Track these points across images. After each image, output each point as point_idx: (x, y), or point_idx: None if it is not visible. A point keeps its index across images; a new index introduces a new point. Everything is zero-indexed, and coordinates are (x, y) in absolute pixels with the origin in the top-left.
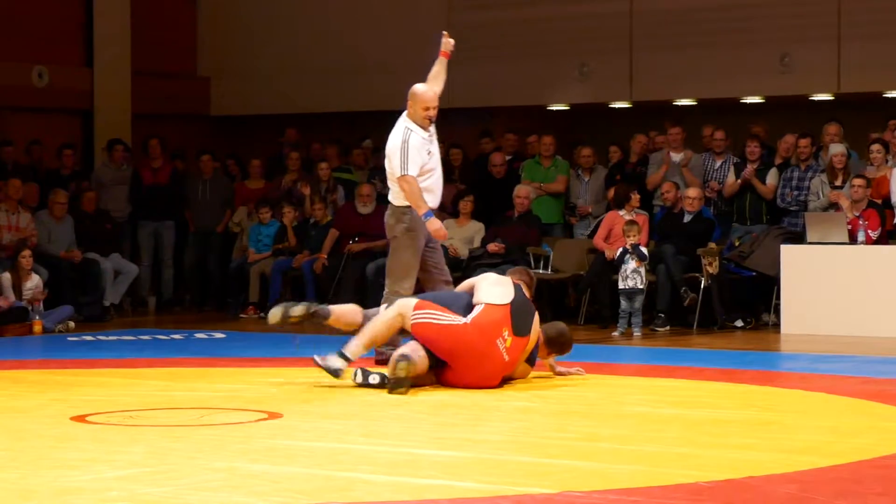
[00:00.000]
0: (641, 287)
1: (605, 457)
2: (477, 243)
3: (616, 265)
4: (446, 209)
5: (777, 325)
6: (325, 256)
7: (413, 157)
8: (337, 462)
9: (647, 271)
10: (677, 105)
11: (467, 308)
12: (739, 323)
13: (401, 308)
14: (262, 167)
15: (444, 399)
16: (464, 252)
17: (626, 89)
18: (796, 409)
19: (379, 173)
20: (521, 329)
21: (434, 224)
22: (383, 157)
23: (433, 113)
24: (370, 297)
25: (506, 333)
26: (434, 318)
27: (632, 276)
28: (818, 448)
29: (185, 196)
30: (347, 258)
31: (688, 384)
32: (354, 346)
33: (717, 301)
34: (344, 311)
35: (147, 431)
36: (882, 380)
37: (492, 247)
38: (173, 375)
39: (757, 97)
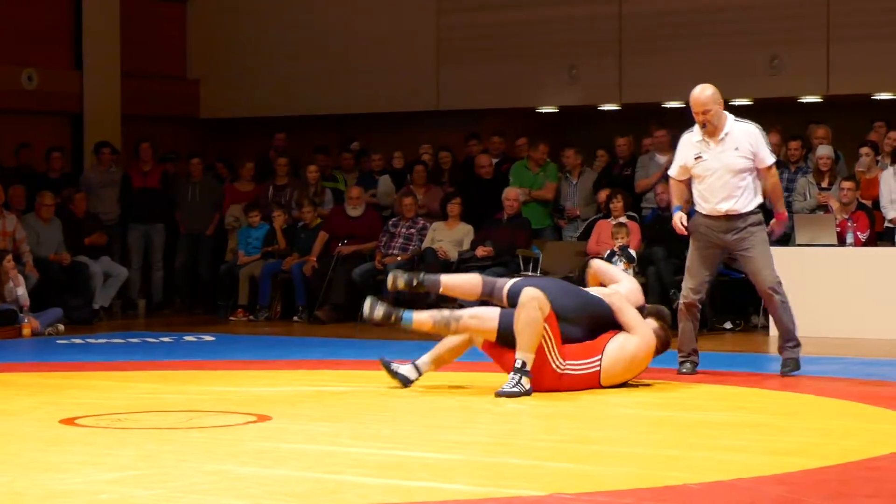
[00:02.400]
0: None
1: (594, 459)
2: (466, 245)
3: None
4: (434, 212)
5: (766, 328)
6: (315, 259)
7: (677, 155)
8: (326, 465)
9: (636, 273)
10: (666, 107)
11: (584, 322)
12: (729, 325)
13: (544, 311)
14: (253, 170)
15: (433, 401)
16: (453, 254)
17: (616, 92)
18: (785, 411)
19: (367, 177)
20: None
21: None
22: (371, 160)
23: (699, 118)
24: (360, 299)
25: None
26: (545, 343)
27: None
28: (807, 450)
29: (174, 199)
30: (337, 260)
31: (677, 386)
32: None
33: (706, 303)
34: (459, 282)
35: (136, 434)
36: (871, 381)
37: (480, 250)
38: (163, 378)
39: (746, 99)
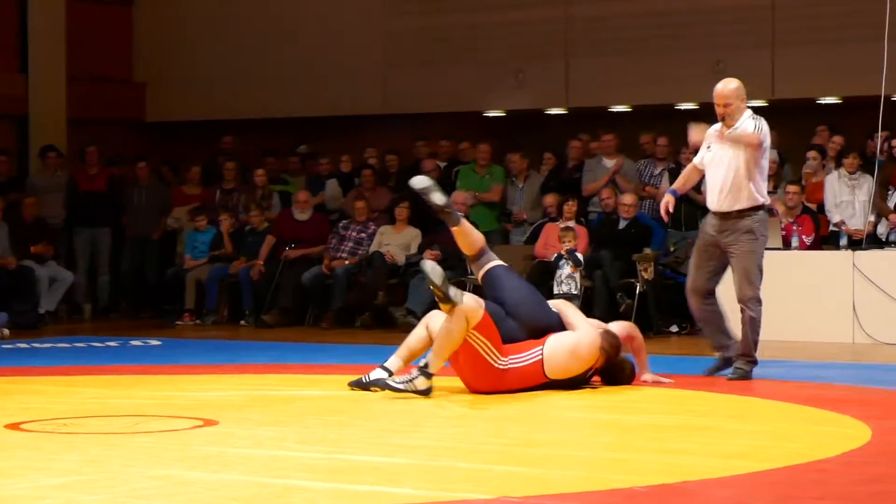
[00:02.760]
0: (576, 293)
1: (541, 462)
2: (414, 249)
3: (551, 271)
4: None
5: None
6: (262, 263)
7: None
8: (274, 469)
9: (583, 277)
10: (612, 111)
11: (526, 328)
12: (675, 328)
13: (470, 321)
14: (200, 173)
15: (381, 405)
16: (400, 258)
17: (562, 96)
18: (732, 414)
19: (314, 181)
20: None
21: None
22: (318, 164)
23: (719, 111)
24: (308, 303)
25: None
26: (480, 347)
27: (566, 281)
28: (754, 453)
29: (121, 203)
30: (284, 265)
31: (623, 389)
32: (438, 366)
33: (652, 307)
34: (471, 233)
35: (82, 439)
36: (817, 384)
37: (428, 254)
38: (109, 383)
39: (691, 103)
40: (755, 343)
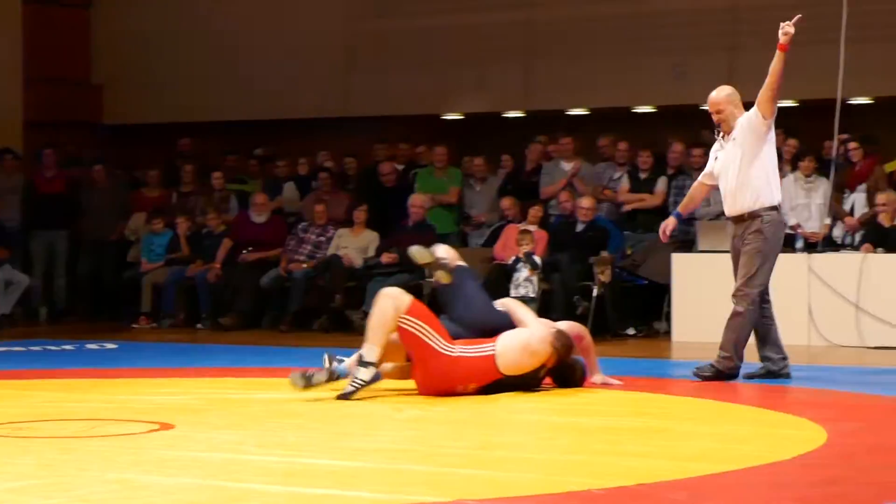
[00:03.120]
0: (533, 295)
1: (499, 465)
2: (371, 252)
3: (509, 273)
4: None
5: (669, 333)
6: (219, 266)
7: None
8: (230, 473)
9: (540, 280)
10: (571, 114)
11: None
12: (632, 331)
13: (396, 303)
14: (159, 176)
15: (338, 409)
16: (358, 261)
17: (521, 99)
18: (688, 417)
19: (272, 184)
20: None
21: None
22: (276, 166)
23: (714, 118)
24: (266, 306)
25: (471, 386)
26: (420, 332)
27: (524, 284)
28: (709, 455)
29: (78, 205)
30: (241, 267)
31: (580, 391)
32: (375, 351)
33: (609, 309)
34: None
35: (37, 443)
36: (772, 387)
37: (386, 257)
38: (64, 387)
39: (650, 106)
40: (733, 342)
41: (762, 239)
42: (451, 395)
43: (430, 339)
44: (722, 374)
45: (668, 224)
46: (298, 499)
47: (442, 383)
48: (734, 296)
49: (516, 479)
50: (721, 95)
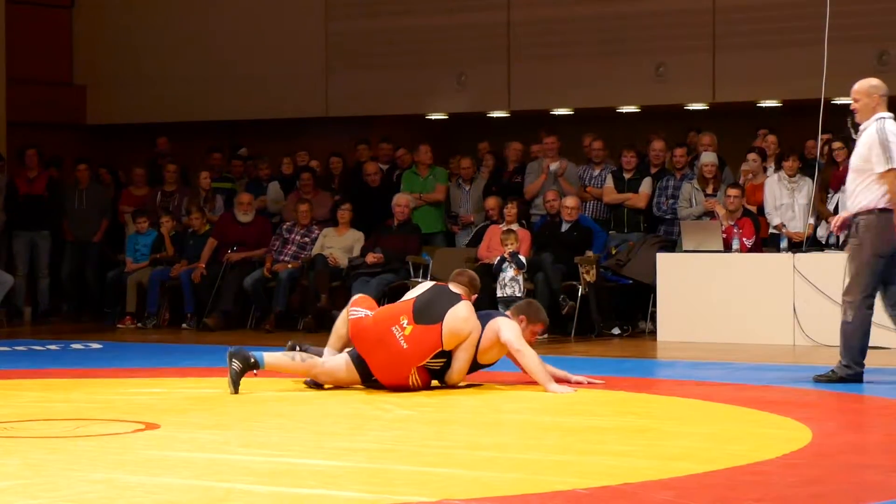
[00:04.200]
0: (519, 295)
1: (484, 465)
2: (356, 252)
3: (495, 274)
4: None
5: (653, 333)
6: (204, 266)
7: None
8: (215, 472)
9: (525, 280)
10: (554, 114)
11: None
12: (616, 331)
13: (347, 307)
14: (144, 175)
15: (323, 409)
16: (343, 261)
17: (504, 99)
18: (672, 416)
19: (255, 184)
20: (424, 318)
21: None
22: (253, 166)
23: (851, 105)
24: (251, 306)
25: (404, 321)
26: (353, 313)
27: (510, 284)
28: (694, 454)
29: (61, 205)
30: (226, 267)
31: (565, 392)
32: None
33: (594, 309)
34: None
35: (22, 443)
36: (757, 386)
37: (370, 257)
38: (49, 386)
39: (633, 107)
40: (847, 348)
41: (857, 244)
42: (403, 366)
43: (355, 314)
44: (840, 379)
45: (836, 219)
46: (284, 498)
47: (375, 342)
48: (842, 303)
49: (501, 478)
50: (861, 86)
